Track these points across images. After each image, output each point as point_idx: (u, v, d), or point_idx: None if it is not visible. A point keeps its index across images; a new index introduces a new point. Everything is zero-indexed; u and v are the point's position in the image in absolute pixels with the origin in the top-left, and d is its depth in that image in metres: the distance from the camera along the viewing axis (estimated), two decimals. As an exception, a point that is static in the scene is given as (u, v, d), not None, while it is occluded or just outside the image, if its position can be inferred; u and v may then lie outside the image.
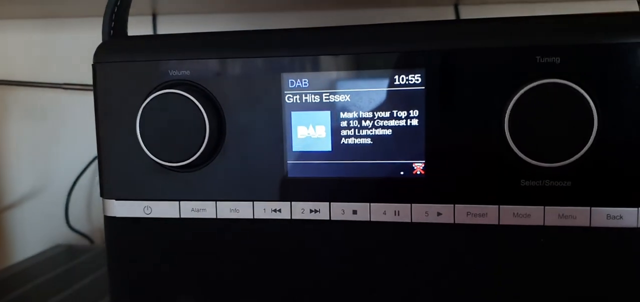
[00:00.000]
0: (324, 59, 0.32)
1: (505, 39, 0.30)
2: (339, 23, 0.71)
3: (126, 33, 0.39)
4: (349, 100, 0.32)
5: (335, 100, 0.32)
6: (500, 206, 0.31)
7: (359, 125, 0.32)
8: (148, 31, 0.72)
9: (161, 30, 0.72)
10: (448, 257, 0.32)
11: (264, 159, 0.33)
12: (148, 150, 0.33)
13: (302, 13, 0.72)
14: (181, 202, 0.35)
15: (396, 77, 0.31)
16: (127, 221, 0.35)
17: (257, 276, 0.34)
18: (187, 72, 0.33)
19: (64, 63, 0.75)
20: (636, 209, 0.30)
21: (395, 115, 0.32)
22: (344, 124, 0.32)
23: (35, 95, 0.76)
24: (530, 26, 0.30)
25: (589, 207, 0.30)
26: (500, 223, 0.31)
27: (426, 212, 0.32)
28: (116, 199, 0.35)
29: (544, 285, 0.31)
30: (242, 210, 0.34)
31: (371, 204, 0.32)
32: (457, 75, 0.31)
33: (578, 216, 0.30)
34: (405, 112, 0.31)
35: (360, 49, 0.32)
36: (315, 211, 0.33)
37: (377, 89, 0.32)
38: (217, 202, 0.34)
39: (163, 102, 0.33)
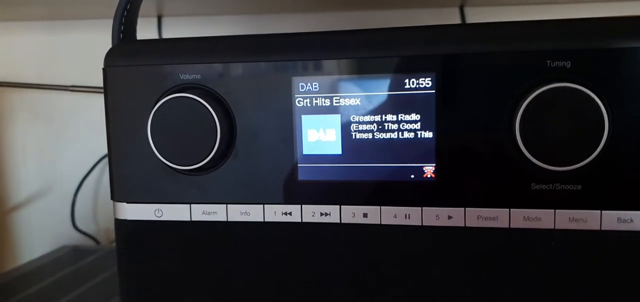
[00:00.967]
0: (334, 62, 0.32)
1: (516, 43, 0.30)
2: (344, 24, 0.71)
3: (135, 36, 0.40)
4: (359, 103, 0.32)
5: (346, 103, 0.32)
6: (511, 210, 0.31)
7: (369, 129, 0.32)
8: (153, 33, 0.73)
9: (166, 33, 0.72)
10: (459, 261, 0.32)
11: (275, 162, 0.33)
12: (159, 153, 0.33)
13: (306, 15, 0.72)
14: (192, 205, 0.35)
15: (406, 81, 0.31)
16: (138, 224, 0.35)
17: (267, 278, 0.35)
18: (198, 76, 0.34)
19: (70, 65, 0.75)
20: (646, 212, 0.30)
21: (405, 118, 0.32)
22: (354, 127, 0.32)
23: (41, 97, 0.76)
24: (540, 30, 0.31)
25: (599, 211, 0.30)
26: (511, 226, 0.31)
27: (437, 216, 0.32)
28: (127, 202, 0.35)
29: (554, 288, 0.31)
30: (252, 213, 0.34)
31: (382, 207, 0.32)
32: (467, 79, 0.31)
33: (588, 219, 0.30)
34: (416, 116, 0.31)
35: (371, 52, 0.32)
36: (326, 214, 0.33)
37: (387, 93, 0.32)
38: (228, 205, 0.34)
39: (174, 106, 0.33)
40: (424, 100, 0.31)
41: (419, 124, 0.31)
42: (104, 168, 0.75)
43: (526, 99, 0.29)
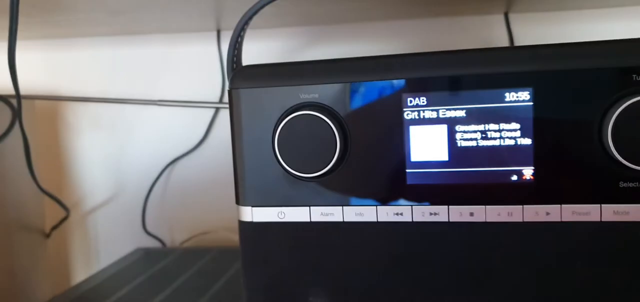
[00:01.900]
0: (440, 80, 0.37)
1: (604, 60, 0.35)
2: (395, 32, 0.75)
3: (241, 61, 0.44)
4: (464, 115, 0.37)
5: (451, 115, 0.37)
6: (602, 205, 0.35)
7: (473, 137, 0.37)
8: (213, 46, 0.77)
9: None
10: (558, 251, 0.37)
11: (385, 169, 0.38)
12: (286, 163, 0.38)
13: (359, 24, 0.76)
14: (311, 207, 0.39)
15: (506, 94, 0.36)
16: (261, 225, 0.40)
17: (381, 273, 0.39)
18: (316, 95, 0.38)
19: (127, 79, 0.79)
20: None
21: (506, 128, 0.36)
22: (459, 136, 0.37)
23: (105, 110, 0.81)
24: (626, 47, 0.35)
25: (682, 204, 0.35)
26: (602, 220, 0.35)
27: (536, 212, 0.36)
28: (252, 206, 0.40)
29: None
30: (366, 214, 0.39)
31: (487, 206, 0.37)
32: (561, 92, 0.35)
33: (672, 211, 0.35)
34: (516, 125, 0.36)
35: (475, 70, 0.36)
36: (435, 214, 0.38)
37: (489, 105, 0.36)
38: (344, 207, 0.39)
39: (298, 122, 0.37)
40: (523, 112, 0.36)
41: (518, 132, 0.36)
42: (169, 174, 0.79)
43: (617, 110, 0.33)
